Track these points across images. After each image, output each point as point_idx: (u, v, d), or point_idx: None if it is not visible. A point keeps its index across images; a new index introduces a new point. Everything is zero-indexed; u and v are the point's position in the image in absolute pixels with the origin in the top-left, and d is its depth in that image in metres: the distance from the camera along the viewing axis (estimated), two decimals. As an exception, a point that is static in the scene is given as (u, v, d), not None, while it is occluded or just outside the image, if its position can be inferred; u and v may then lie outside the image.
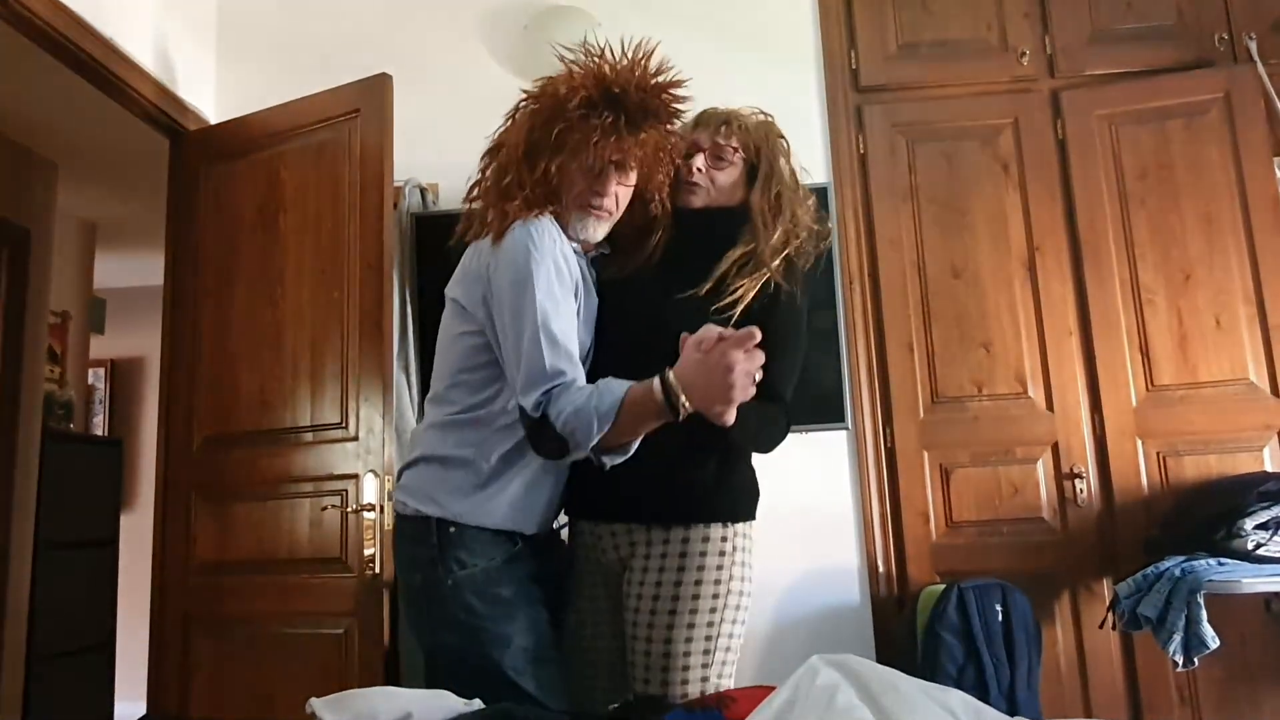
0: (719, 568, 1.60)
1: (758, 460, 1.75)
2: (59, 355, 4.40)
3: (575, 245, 1.66)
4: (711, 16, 3.11)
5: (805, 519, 2.74)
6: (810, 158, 3.01)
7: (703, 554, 1.59)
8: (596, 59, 1.56)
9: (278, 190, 2.73)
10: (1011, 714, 1.79)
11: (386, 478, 2.45)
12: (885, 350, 2.93)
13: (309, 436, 2.59)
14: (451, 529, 1.58)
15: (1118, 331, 2.87)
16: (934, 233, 2.97)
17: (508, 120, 1.68)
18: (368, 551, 2.40)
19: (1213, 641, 2.22)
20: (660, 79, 1.56)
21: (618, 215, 1.67)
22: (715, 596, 1.58)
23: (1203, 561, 2.37)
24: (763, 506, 1.75)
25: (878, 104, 3.07)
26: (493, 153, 1.69)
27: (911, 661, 2.50)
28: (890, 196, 3.00)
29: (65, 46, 2.47)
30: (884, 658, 2.67)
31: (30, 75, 3.03)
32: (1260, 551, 2.35)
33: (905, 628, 2.62)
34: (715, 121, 1.73)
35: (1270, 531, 2.37)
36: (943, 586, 2.54)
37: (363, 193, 2.59)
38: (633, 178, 1.64)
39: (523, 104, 1.65)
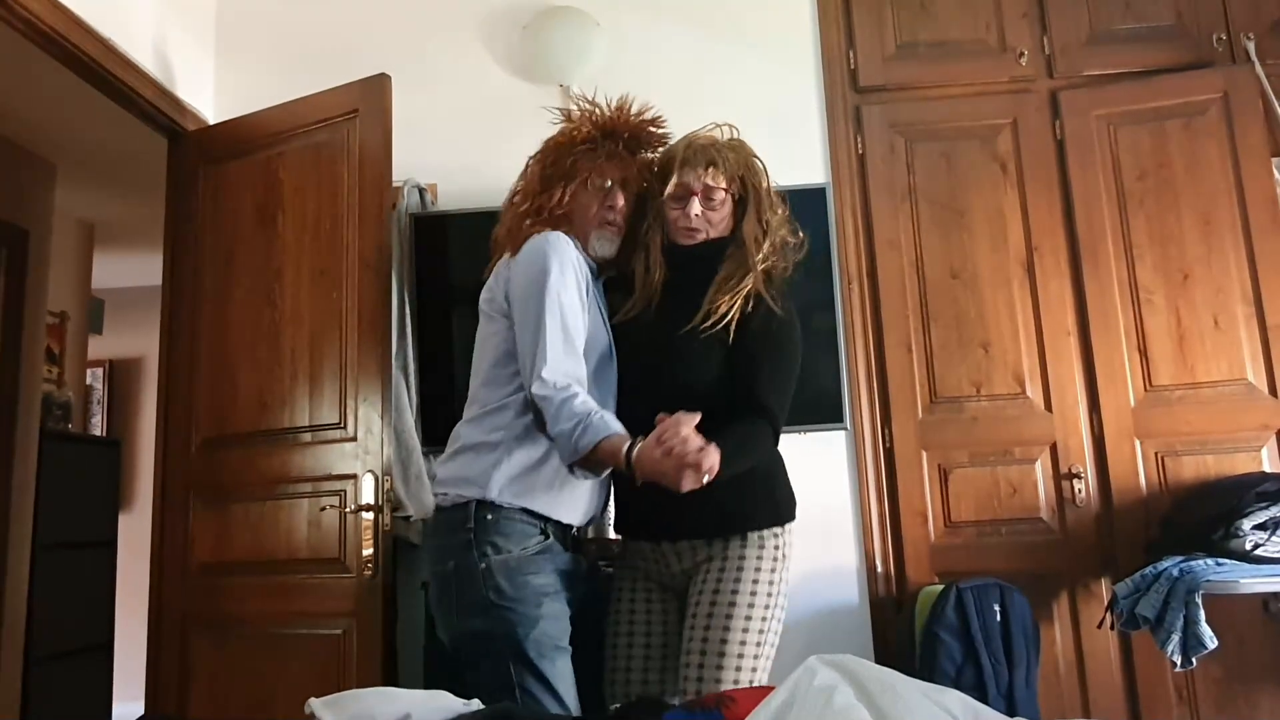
0: (772, 570, 1.76)
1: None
2: (57, 356, 4.39)
3: (590, 262, 1.86)
4: (710, 17, 3.11)
5: (803, 519, 2.70)
6: (809, 158, 3.03)
7: (759, 557, 1.76)
8: (591, 107, 1.87)
9: (276, 190, 2.73)
10: (1010, 714, 1.79)
11: (385, 478, 2.45)
12: (884, 350, 2.93)
13: (307, 437, 2.59)
14: (488, 516, 1.69)
15: (1116, 332, 2.87)
16: (932, 233, 2.97)
17: (521, 177, 1.94)
18: (366, 552, 2.40)
19: (1211, 642, 2.22)
20: (645, 117, 1.88)
21: (623, 230, 1.89)
22: (769, 595, 1.74)
23: (1201, 562, 2.37)
24: (762, 507, 1.78)
25: (876, 104, 3.07)
26: (511, 197, 1.93)
27: (910, 662, 2.50)
28: (889, 197, 3.00)
29: (64, 47, 2.46)
30: (882, 658, 2.68)
31: (29, 75, 3.03)
32: (1258, 552, 2.36)
33: (903, 628, 2.62)
34: (701, 162, 1.83)
35: (1268, 532, 2.37)
36: (941, 587, 2.54)
37: (361, 193, 2.58)
38: (631, 195, 1.88)
39: (533, 157, 1.93)
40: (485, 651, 1.65)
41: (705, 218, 1.83)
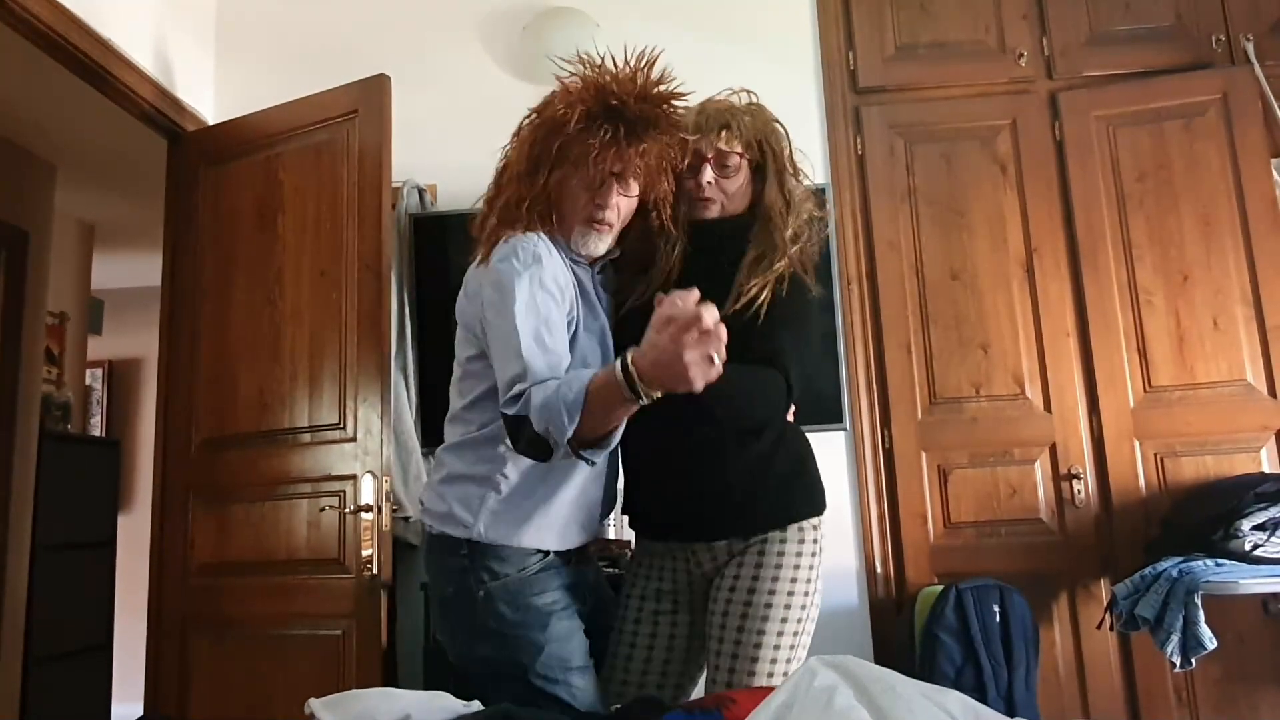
0: (810, 565, 1.65)
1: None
2: (57, 356, 4.39)
3: (576, 258, 1.65)
4: (710, 18, 3.12)
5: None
6: (808, 159, 3.02)
7: (798, 552, 1.64)
8: (597, 69, 1.54)
9: (276, 191, 2.73)
10: (1009, 715, 1.79)
11: (385, 479, 2.45)
12: (883, 351, 2.93)
13: (307, 437, 2.59)
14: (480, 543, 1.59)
15: (1115, 332, 2.87)
16: (932, 234, 2.97)
17: (513, 139, 1.67)
18: (366, 552, 2.40)
19: (1210, 642, 2.22)
20: (662, 88, 1.55)
21: (619, 227, 1.65)
22: (806, 592, 1.64)
23: (1200, 562, 2.37)
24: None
25: (876, 105, 3.07)
26: (499, 174, 1.68)
27: (910, 663, 2.50)
28: (888, 198, 3.01)
29: (63, 48, 2.46)
30: (882, 659, 2.68)
31: (28, 76, 3.03)
32: (1257, 552, 2.36)
33: (903, 629, 2.62)
34: (715, 126, 1.67)
35: (1267, 532, 2.37)
36: (941, 588, 2.54)
37: (361, 194, 2.58)
38: (635, 188, 1.62)
39: (526, 121, 1.64)
40: (496, 675, 1.56)
41: (719, 186, 1.68)
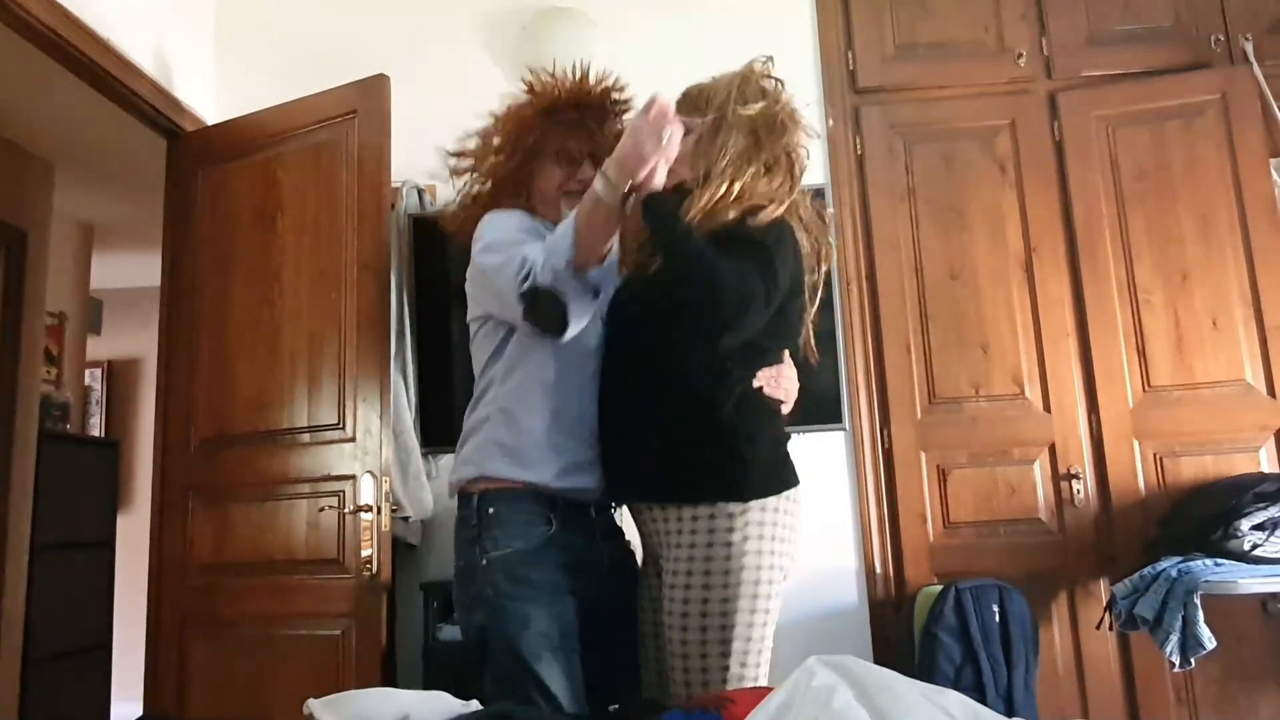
0: (759, 551, 1.57)
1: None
2: (55, 356, 4.39)
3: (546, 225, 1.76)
4: (709, 17, 3.12)
5: (803, 520, 2.73)
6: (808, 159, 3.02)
7: (728, 541, 1.55)
8: (548, 81, 1.82)
9: (275, 191, 2.73)
10: (1009, 715, 1.79)
11: (384, 479, 2.45)
12: (883, 351, 2.93)
13: (306, 437, 2.59)
14: (490, 510, 1.65)
15: (1115, 332, 2.87)
16: (931, 234, 2.97)
17: (483, 138, 1.87)
18: (365, 552, 2.40)
19: (1209, 642, 2.23)
20: (603, 85, 1.83)
21: None
22: (756, 583, 1.56)
23: (1199, 562, 2.38)
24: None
25: (875, 105, 3.07)
26: (474, 158, 1.87)
27: (909, 662, 2.50)
28: (888, 198, 3.01)
29: (62, 47, 2.46)
30: (881, 659, 2.68)
31: (27, 76, 3.03)
32: (1257, 552, 2.36)
33: (903, 629, 2.63)
34: (680, 99, 1.68)
35: (1266, 532, 2.37)
36: (940, 587, 2.54)
37: (360, 194, 2.58)
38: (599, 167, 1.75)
39: (485, 130, 1.87)
40: (482, 644, 1.62)
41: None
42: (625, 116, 1.84)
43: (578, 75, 1.83)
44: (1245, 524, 2.39)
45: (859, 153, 3.05)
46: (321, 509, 2.52)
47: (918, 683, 1.09)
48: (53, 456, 3.77)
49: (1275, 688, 2.69)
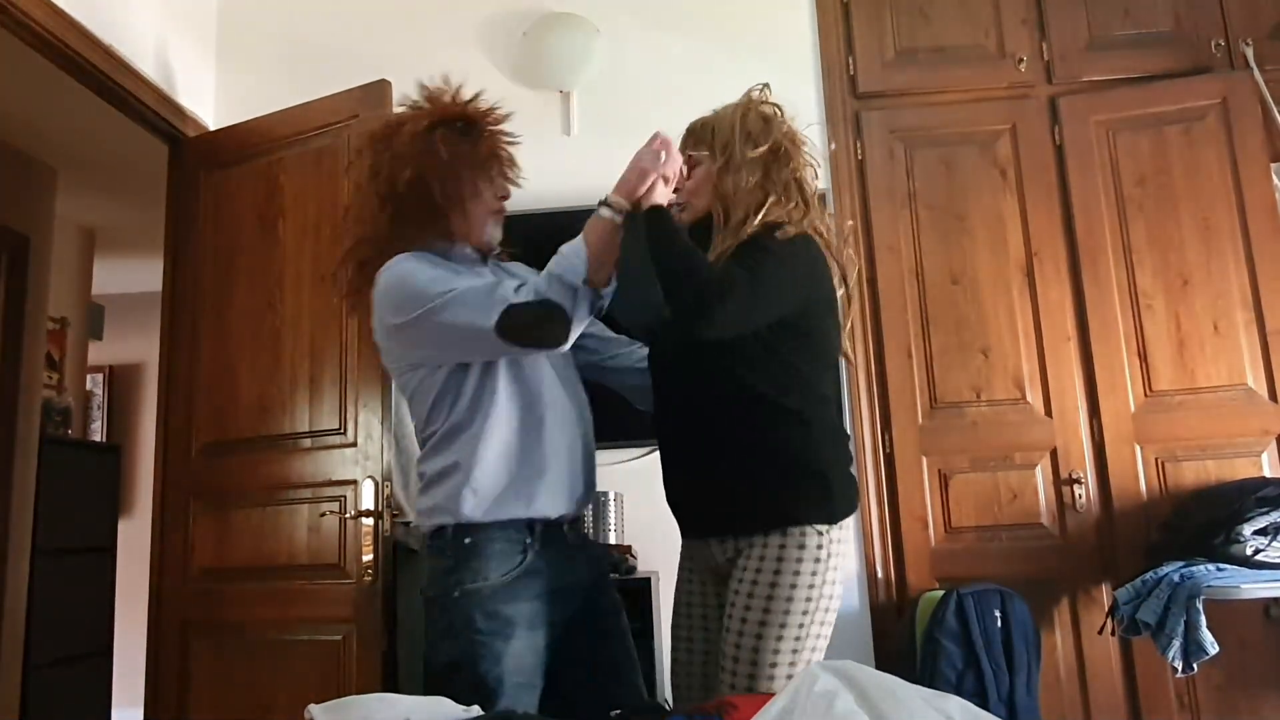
0: (813, 573, 1.60)
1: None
2: (57, 361, 4.39)
3: (472, 252, 1.75)
4: (710, 23, 3.12)
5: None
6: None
7: (799, 559, 1.59)
8: (425, 101, 1.76)
9: (277, 196, 2.74)
10: (1011, 720, 1.78)
11: (385, 484, 2.45)
12: (884, 356, 2.93)
13: (307, 442, 2.59)
14: (465, 540, 1.62)
15: (1116, 337, 2.87)
16: (932, 239, 2.98)
17: (359, 191, 1.79)
18: (366, 557, 2.40)
19: (1212, 647, 2.22)
20: (475, 102, 1.76)
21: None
22: (807, 600, 1.58)
23: (1202, 567, 2.37)
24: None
25: (876, 110, 3.08)
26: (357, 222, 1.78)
27: (911, 668, 2.49)
28: (888, 203, 3.01)
29: (65, 53, 2.47)
30: (883, 664, 2.67)
31: (29, 81, 3.04)
32: (1259, 557, 2.36)
33: (904, 634, 2.62)
34: (685, 135, 1.76)
35: (1269, 537, 2.37)
36: (942, 592, 2.54)
37: (362, 199, 2.59)
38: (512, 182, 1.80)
39: (369, 158, 1.76)
40: (450, 681, 1.55)
41: (683, 189, 1.70)
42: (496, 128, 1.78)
43: (451, 89, 1.77)
44: (1247, 529, 2.39)
45: (859, 158, 3.05)
46: (323, 514, 2.52)
47: (919, 688, 1.09)
48: (54, 461, 3.78)
49: (1278, 693, 2.68)
